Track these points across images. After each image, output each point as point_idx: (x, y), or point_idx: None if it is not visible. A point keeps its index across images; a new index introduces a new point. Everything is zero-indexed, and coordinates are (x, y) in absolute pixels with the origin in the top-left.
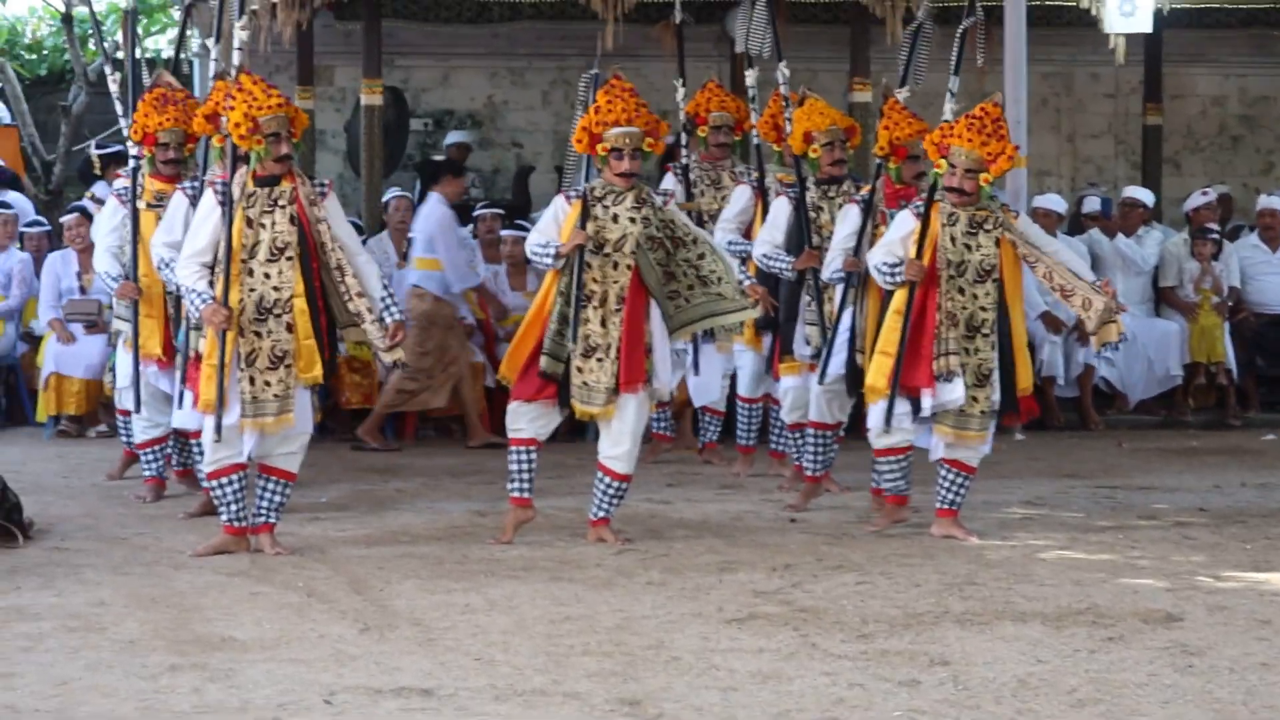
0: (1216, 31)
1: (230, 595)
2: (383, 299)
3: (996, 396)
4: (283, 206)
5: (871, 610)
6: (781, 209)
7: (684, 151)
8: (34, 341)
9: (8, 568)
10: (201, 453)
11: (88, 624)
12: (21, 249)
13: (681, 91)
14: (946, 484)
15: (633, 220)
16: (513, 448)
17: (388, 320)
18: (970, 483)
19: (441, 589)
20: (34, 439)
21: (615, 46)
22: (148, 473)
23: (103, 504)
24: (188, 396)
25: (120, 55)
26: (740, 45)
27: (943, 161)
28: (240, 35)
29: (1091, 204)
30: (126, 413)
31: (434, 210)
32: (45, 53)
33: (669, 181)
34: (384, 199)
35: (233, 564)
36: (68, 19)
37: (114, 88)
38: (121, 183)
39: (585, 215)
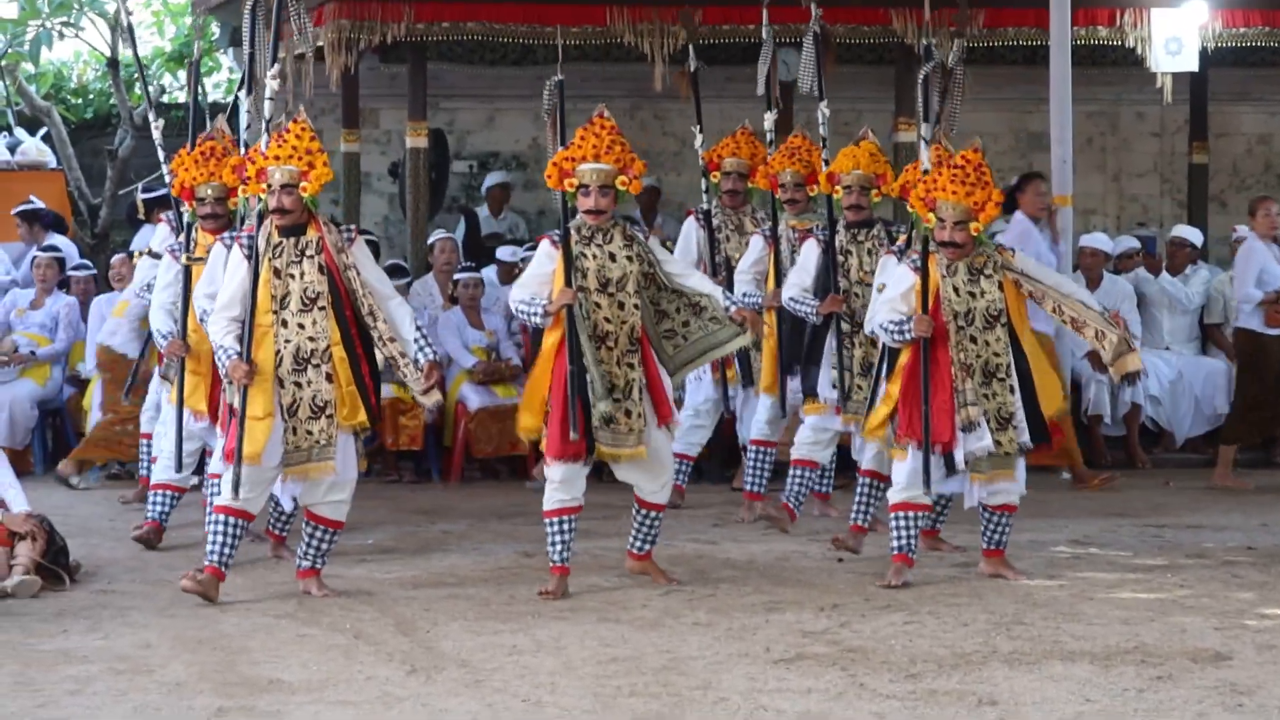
0: (1262, 70)
1: (277, 637)
2: (416, 340)
3: (1025, 437)
4: (310, 256)
5: (919, 650)
6: (811, 252)
7: (705, 197)
8: (81, 385)
9: (55, 610)
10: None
11: (135, 666)
12: (68, 292)
13: (700, 138)
14: (991, 526)
15: (629, 259)
16: (558, 518)
17: (422, 361)
18: (1012, 521)
19: (488, 630)
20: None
21: (663, 88)
22: (150, 515)
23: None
24: (219, 447)
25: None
26: (760, 88)
27: (931, 216)
28: (271, 85)
29: (1129, 243)
30: (150, 436)
31: None
32: (91, 97)
33: (690, 225)
34: (429, 241)
35: (280, 606)
36: (114, 64)
37: (156, 134)
38: (166, 234)
39: (569, 260)
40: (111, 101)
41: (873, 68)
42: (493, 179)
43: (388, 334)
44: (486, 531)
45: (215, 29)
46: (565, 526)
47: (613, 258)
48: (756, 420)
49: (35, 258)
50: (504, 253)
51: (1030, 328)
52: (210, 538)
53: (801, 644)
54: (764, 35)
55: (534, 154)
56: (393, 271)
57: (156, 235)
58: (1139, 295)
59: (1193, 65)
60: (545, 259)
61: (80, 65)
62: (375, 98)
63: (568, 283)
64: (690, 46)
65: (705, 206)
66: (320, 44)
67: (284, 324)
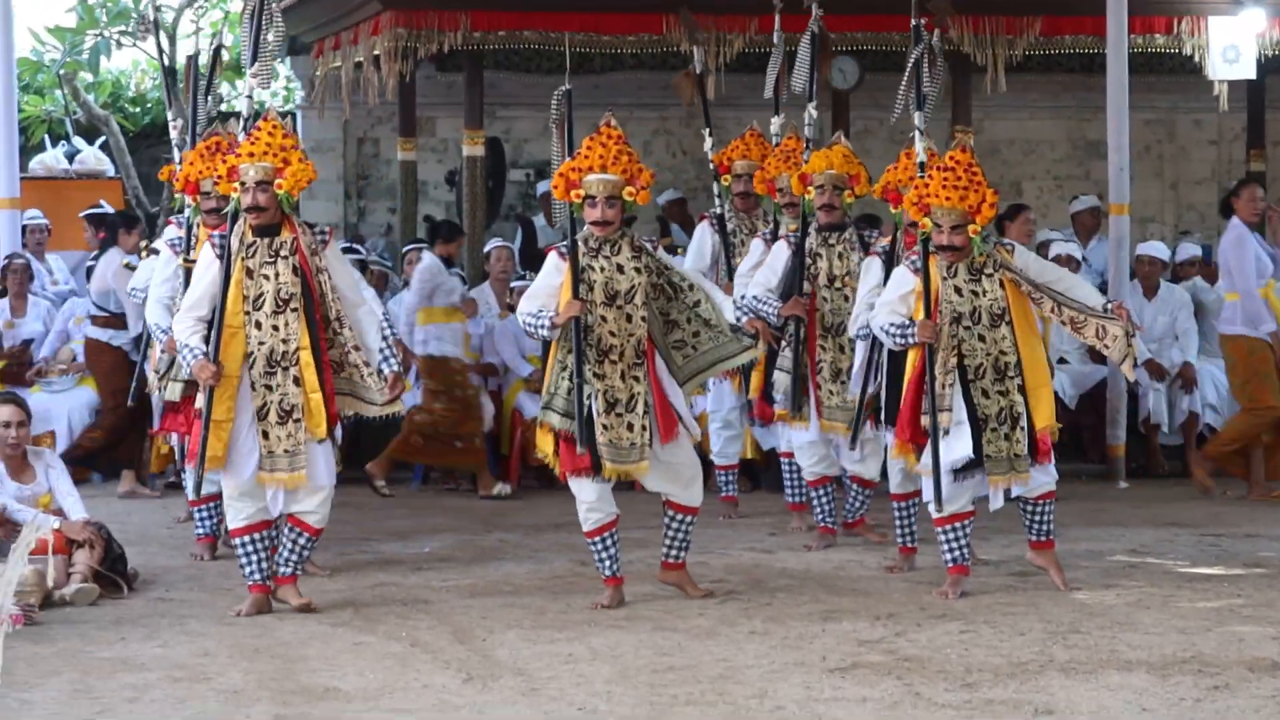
0: None
1: (334, 646)
2: (381, 350)
3: (1027, 441)
4: (285, 257)
5: (975, 659)
6: (780, 253)
7: (718, 201)
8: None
9: (113, 618)
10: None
11: (192, 674)
12: None
13: (709, 141)
14: (1032, 516)
15: (637, 270)
16: (598, 537)
17: (386, 372)
18: (1054, 508)
19: (544, 639)
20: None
21: (717, 96)
22: (200, 531)
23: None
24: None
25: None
26: (768, 92)
27: (927, 221)
28: (249, 83)
29: (1190, 251)
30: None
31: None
32: (149, 106)
33: (704, 230)
34: (485, 249)
35: (336, 614)
36: (171, 72)
37: (174, 134)
38: (174, 232)
39: (576, 273)
40: (196, 110)
41: None
42: (544, 187)
43: (353, 341)
44: (542, 540)
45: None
46: (608, 542)
47: (620, 269)
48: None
49: (93, 266)
50: None
51: (1034, 331)
52: (241, 562)
53: (857, 653)
54: (775, 41)
55: None
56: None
57: (165, 236)
58: (1196, 304)
59: (1250, 73)
60: (553, 271)
61: (138, 74)
62: (432, 106)
63: (575, 295)
64: (695, 50)
65: (718, 211)
66: (376, 53)
67: (257, 325)
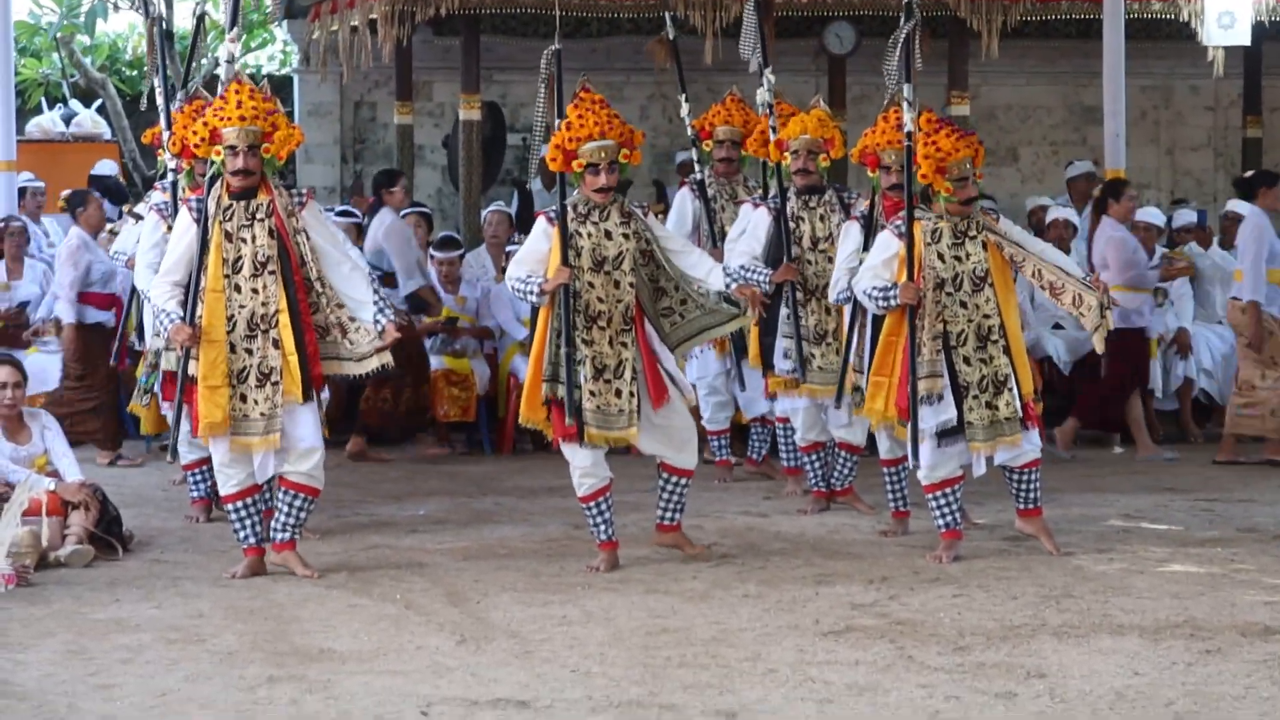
0: None
1: (328, 607)
2: (374, 301)
3: (1018, 403)
4: (261, 220)
5: (968, 623)
6: (761, 220)
7: (698, 167)
8: (136, 355)
9: (108, 580)
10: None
11: (187, 635)
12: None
13: (686, 107)
14: (1023, 485)
15: (625, 236)
16: (592, 502)
17: (382, 321)
18: (1039, 475)
19: (538, 601)
20: (134, 452)
21: (713, 61)
22: (194, 494)
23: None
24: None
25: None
26: (750, 63)
27: (947, 184)
28: (229, 49)
29: (1186, 218)
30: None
31: (382, 220)
32: (146, 69)
33: (685, 196)
34: (483, 213)
35: (331, 576)
36: (168, 35)
37: (160, 100)
38: (160, 197)
39: (565, 240)
40: (167, 74)
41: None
42: (545, 151)
43: (335, 300)
44: (537, 503)
45: (269, 1)
46: (602, 507)
47: (609, 235)
48: (754, 396)
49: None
50: None
51: (1013, 297)
52: (234, 527)
53: (850, 616)
54: (747, 5)
55: None
56: (446, 243)
57: (151, 200)
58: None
59: (1245, 40)
60: (541, 236)
61: (135, 38)
62: (428, 70)
63: (564, 261)
64: (667, 15)
65: (698, 176)
66: (373, 16)
67: (237, 289)
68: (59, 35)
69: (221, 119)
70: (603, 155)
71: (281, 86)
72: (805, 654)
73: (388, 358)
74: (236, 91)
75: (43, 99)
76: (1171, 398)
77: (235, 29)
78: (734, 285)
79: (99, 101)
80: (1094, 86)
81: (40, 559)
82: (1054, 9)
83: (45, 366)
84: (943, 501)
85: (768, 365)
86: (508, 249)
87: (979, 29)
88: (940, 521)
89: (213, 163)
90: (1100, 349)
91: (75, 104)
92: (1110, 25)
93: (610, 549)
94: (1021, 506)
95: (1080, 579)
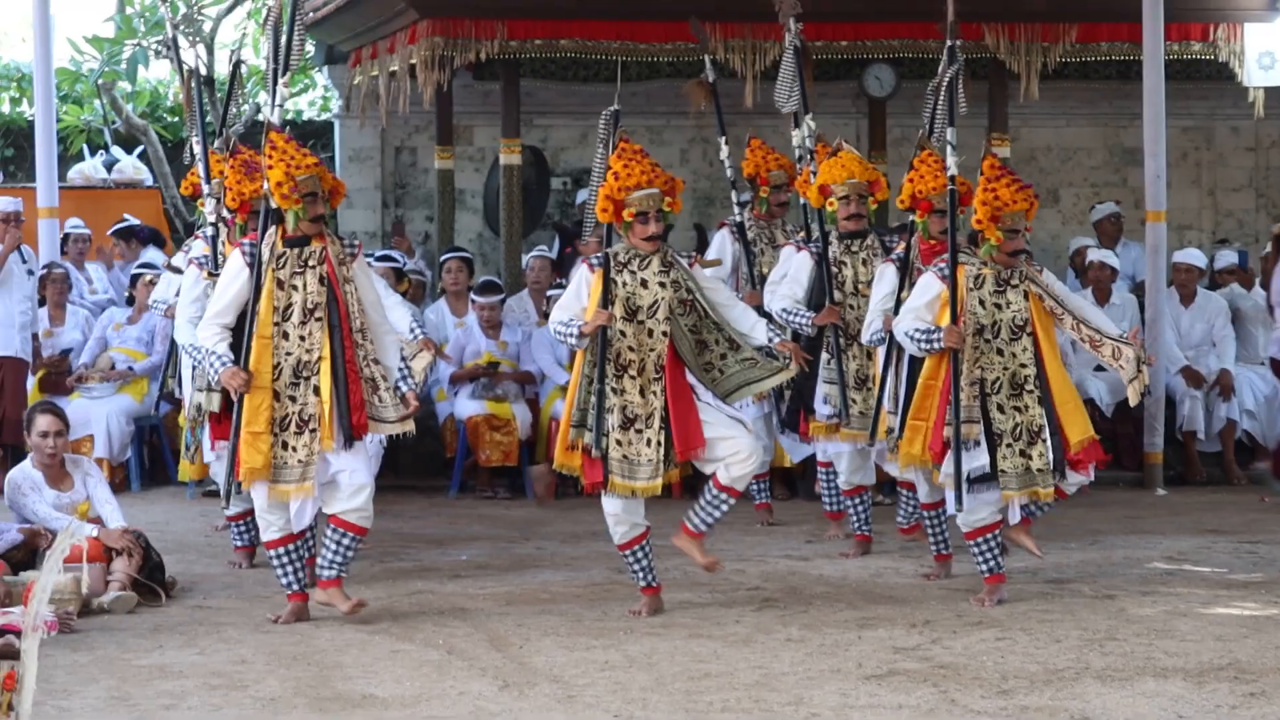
0: None
1: (371, 653)
2: (400, 369)
3: (1051, 456)
4: (313, 267)
5: (1011, 666)
6: (803, 264)
7: (738, 210)
8: (176, 402)
9: (151, 626)
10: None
11: (230, 682)
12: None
13: (726, 150)
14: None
15: (663, 285)
16: (628, 550)
17: (404, 389)
18: (1054, 505)
19: (581, 646)
20: (177, 498)
21: (754, 104)
22: (238, 542)
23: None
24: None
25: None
26: (784, 105)
27: (999, 232)
28: (283, 93)
29: (1227, 259)
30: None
31: None
32: (185, 120)
33: (724, 238)
34: (525, 258)
35: (373, 621)
36: (209, 82)
37: (198, 149)
38: (201, 249)
39: (607, 286)
40: (208, 120)
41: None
42: (584, 195)
43: (373, 355)
44: (580, 548)
45: (310, 47)
46: (639, 554)
47: (645, 284)
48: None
49: (137, 274)
50: None
51: (1055, 346)
52: (277, 573)
53: (893, 660)
54: (786, 46)
55: None
56: (487, 288)
57: (191, 252)
58: (1234, 310)
59: None
60: (583, 282)
61: (176, 84)
62: (469, 115)
63: (603, 304)
64: (707, 58)
65: (738, 219)
66: (413, 61)
67: (285, 336)
68: (100, 82)
69: (297, 168)
70: (650, 203)
71: (322, 132)
72: (848, 698)
73: (410, 425)
74: (286, 142)
75: (85, 145)
76: (1214, 439)
77: (286, 74)
78: (776, 340)
79: (140, 148)
80: (1134, 128)
81: (84, 605)
82: (1093, 50)
83: (88, 411)
84: (984, 548)
85: (808, 410)
86: (549, 294)
87: (1018, 71)
88: (983, 567)
89: (274, 209)
90: (1135, 400)
91: (117, 150)
92: (1150, 66)
93: (652, 594)
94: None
95: (1123, 621)
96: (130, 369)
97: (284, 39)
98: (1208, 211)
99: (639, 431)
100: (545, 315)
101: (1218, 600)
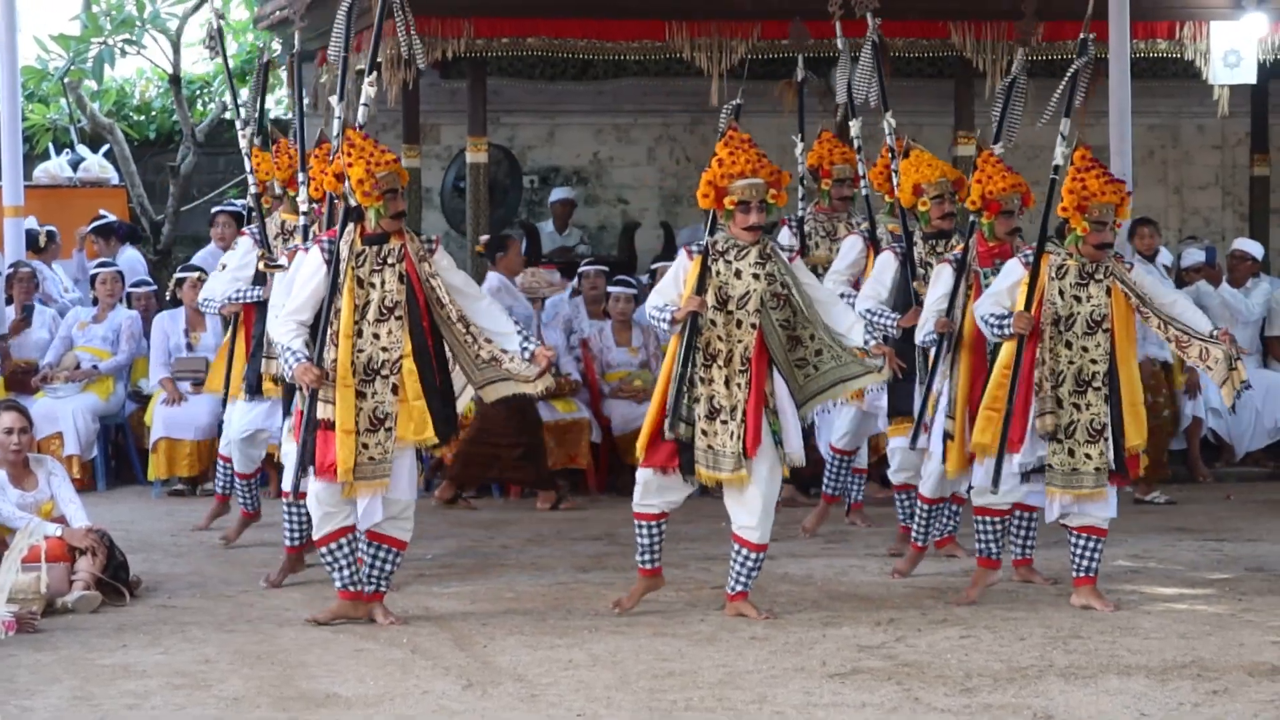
0: None
1: (334, 652)
2: (519, 331)
3: (1112, 454)
4: (392, 265)
5: (975, 664)
6: (887, 264)
7: (800, 205)
8: (143, 400)
9: (115, 626)
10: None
11: (193, 681)
12: (129, 308)
13: (800, 146)
14: (1079, 550)
15: (756, 277)
16: (642, 522)
17: (531, 348)
18: (1103, 546)
19: (545, 645)
20: (142, 497)
21: (719, 102)
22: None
23: (209, 562)
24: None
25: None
26: (841, 95)
27: (1085, 223)
28: (368, 91)
29: (1194, 257)
30: (246, 476)
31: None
32: (153, 114)
33: (785, 235)
34: (579, 270)
35: (336, 622)
36: (175, 80)
37: (243, 143)
38: (249, 247)
39: (704, 275)
40: (174, 118)
41: (931, 81)
42: (559, 194)
43: (483, 335)
44: (544, 548)
45: (276, 45)
46: (654, 530)
47: (738, 275)
48: (838, 428)
49: (96, 273)
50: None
51: (1133, 346)
52: (330, 570)
53: (857, 659)
54: (839, 45)
55: (594, 169)
56: None
57: (239, 250)
58: (1201, 308)
59: (1251, 78)
60: (682, 269)
61: (143, 82)
62: (436, 113)
63: (698, 292)
64: (799, 57)
65: (800, 214)
66: (380, 60)
67: (359, 333)
68: (66, 80)
69: (377, 164)
70: (753, 193)
71: (288, 130)
72: (812, 696)
73: (549, 380)
74: (364, 139)
75: (50, 144)
76: (1180, 437)
77: (373, 74)
78: (873, 343)
79: (106, 146)
80: (1100, 126)
81: (47, 605)
82: (1060, 48)
83: (55, 409)
84: (986, 528)
85: (895, 411)
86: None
87: (984, 69)
88: (979, 547)
89: (355, 206)
90: (1229, 402)
91: (83, 149)
92: (1116, 64)
93: (652, 576)
94: (1077, 574)
95: (1087, 620)
96: (95, 368)
97: (373, 38)
98: (1174, 209)
99: (724, 423)
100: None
101: (1182, 598)
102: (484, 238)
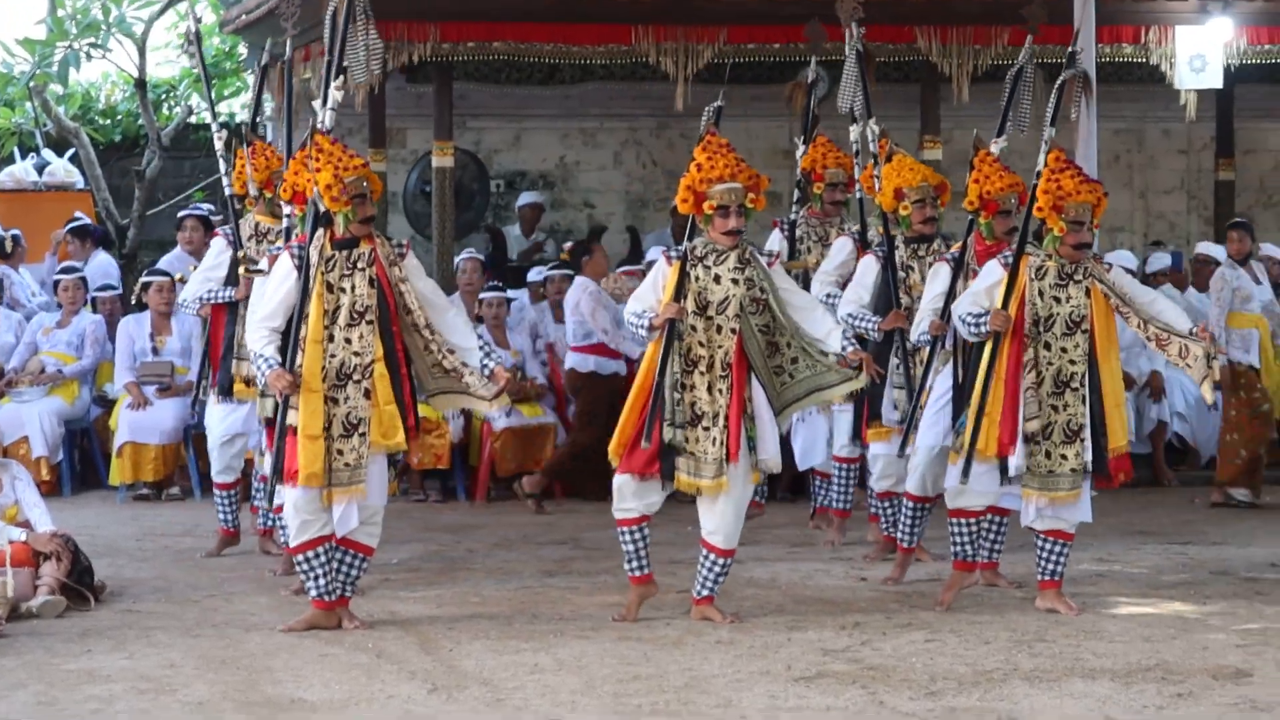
0: None
1: (300, 657)
2: (482, 348)
3: (1089, 455)
4: (362, 269)
5: (940, 668)
6: (869, 267)
7: (793, 208)
8: (108, 404)
9: (79, 630)
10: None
11: (158, 686)
12: (95, 312)
13: (801, 149)
14: (1044, 554)
15: (735, 282)
16: (624, 528)
17: (490, 365)
18: (1069, 550)
19: (510, 649)
20: (107, 501)
21: (685, 106)
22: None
23: (175, 567)
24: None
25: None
26: (842, 103)
27: (1062, 223)
28: (335, 96)
29: (1161, 261)
30: (226, 487)
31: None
32: (119, 118)
33: (775, 238)
34: (456, 260)
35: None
36: (141, 84)
37: (219, 145)
38: (222, 247)
39: (683, 280)
40: (139, 122)
41: (898, 86)
42: (526, 198)
43: (446, 346)
44: (511, 552)
45: (243, 49)
46: (638, 535)
47: (718, 280)
48: (838, 437)
49: (59, 279)
50: (533, 274)
51: (1114, 346)
52: (305, 579)
53: (822, 662)
54: (846, 51)
55: (560, 173)
56: None
57: (212, 250)
58: None
59: (1216, 83)
60: (660, 274)
61: (108, 86)
62: (402, 117)
63: (677, 298)
64: (813, 59)
65: (792, 217)
66: (346, 64)
67: (330, 338)
68: (32, 84)
69: (345, 169)
70: (732, 197)
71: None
72: (777, 700)
73: (506, 400)
74: (333, 144)
75: (15, 148)
76: (1145, 441)
77: (339, 79)
78: (850, 350)
79: (72, 150)
80: (1066, 130)
81: (11, 610)
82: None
83: (20, 414)
84: (960, 530)
85: (874, 415)
86: (481, 296)
87: (950, 74)
88: (954, 549)
89: (324, 212)
90: (1210, 399)
91: (48, 153)
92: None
93: (644, 583)
94: (1042, 577)
95: (1052, 623)
96: (60, 372)
97: (337, 43)
98: (1139, 214)
99: (705, 429)
100: (477, 318)
101: (1146, 601)
102: (567, 245)
